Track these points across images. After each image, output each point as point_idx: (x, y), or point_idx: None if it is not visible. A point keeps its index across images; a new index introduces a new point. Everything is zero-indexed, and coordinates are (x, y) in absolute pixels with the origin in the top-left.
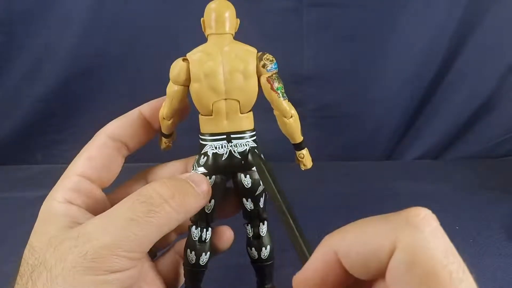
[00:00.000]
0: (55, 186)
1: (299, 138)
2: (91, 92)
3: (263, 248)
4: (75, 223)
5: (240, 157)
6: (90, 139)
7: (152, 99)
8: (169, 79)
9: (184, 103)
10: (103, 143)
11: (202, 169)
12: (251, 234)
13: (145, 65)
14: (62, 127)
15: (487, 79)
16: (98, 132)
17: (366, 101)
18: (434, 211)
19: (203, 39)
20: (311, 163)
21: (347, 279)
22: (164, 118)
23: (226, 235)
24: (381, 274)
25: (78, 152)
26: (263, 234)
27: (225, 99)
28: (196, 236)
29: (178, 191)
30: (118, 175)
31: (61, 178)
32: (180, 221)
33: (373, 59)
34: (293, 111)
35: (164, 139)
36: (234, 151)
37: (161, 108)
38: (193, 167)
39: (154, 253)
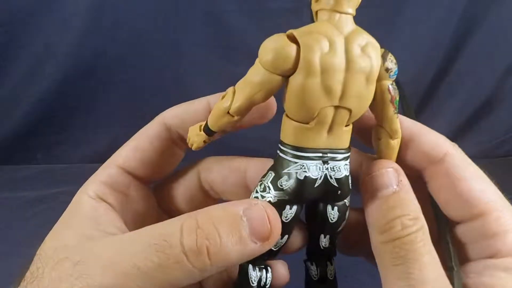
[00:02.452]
0: (92, 175)
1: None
2: (91, 92)
3: None
4: (98, 230)
5: (337, 185)
6: (90, 140)
7: (152, 99)
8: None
9: (268, 98)
10: (157, 132)
11: (278, 195)
12: (316, 276)
13: (145, 65)
14: (62, 127)
15: (487, 79)
16: (155, 118)
17: None
18: None
19: (204, 40)
20: None
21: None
22: (228, 113)
23: (281, 273)
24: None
25: (79, 152)
26: (331, 277)
27: (337, 106)
28: (254, 281)
29: (213, 243)
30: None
31: (101, 166)
32: (211, 274)
33: None
34: (400, 131)
35: (205, 136)
36: (331, 177)
37: (226, 97)
38: (263, 187)
39: None
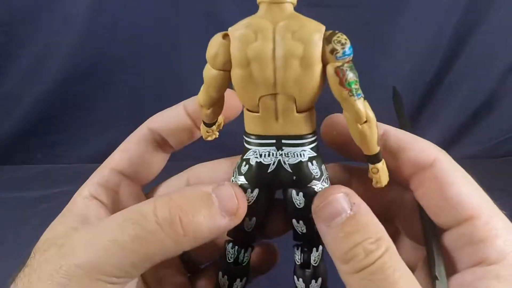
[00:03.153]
0: (88, 179)
1: (374, 149)
2: (91, 92)
3: (313, 281)
4: (85, 224)
5: (291, 170)
6: (90, 140)
7: (152, 99)
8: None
9: (223, 92)
10: (142, 134)
11: (242, 179)
12: (299, 261)
13: (145, 65)
14: (62, 127)
15: (487, 79)
16: (144, 122)
17: None
18: None
19: (204, 40)
20: (387, 179)
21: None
22: (202, 106)
23: (270, 254)
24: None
25: (79, 152)
26: (315, 263)
27: (276, 93)
28: (231, 257)
29: (185, 213)
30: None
31: (96, 170)
32: (186, 249)
33: (373, 60)
34: (370, 114)
35: (205, 128)
36: (284, 162)
37: (199, 92)
38: (233, 173)
39: (197, 267)
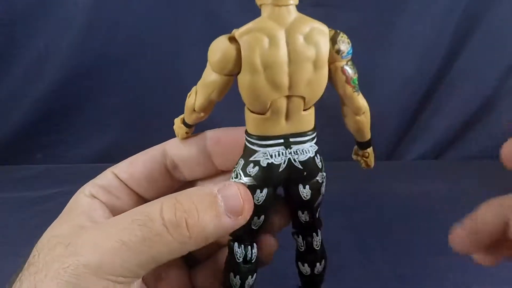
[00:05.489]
0: (92, 179)
1: (368, 135)
2: (91, 92)
3: (318, 264)
4: (90, 222)
5: (301, 167)
6: (90, 140)
7: (152, 99)
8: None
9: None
10: (153, 154)
11: (248, 180)
12: (303, 247)
13: (145, 65)
14: (62, 127)
15: (487, 79)
16: (162, 144)
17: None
18: (434, 212)
19: (204, 39)
20: (373, 162)
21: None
22: (195, 110)
23: (269, 245)
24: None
25: (79, 152)
26: (317, 247)
27: (288, 96)
28: (240, 257)
29: (191, 216)
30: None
31: (101, 173)
32: (191, 249)
33: (373, 59)
34: (366, 105)
35: (185, 128)
36: (295, 160)
37: (192, 96)
38: (235, 174)
39: (197, 259)
